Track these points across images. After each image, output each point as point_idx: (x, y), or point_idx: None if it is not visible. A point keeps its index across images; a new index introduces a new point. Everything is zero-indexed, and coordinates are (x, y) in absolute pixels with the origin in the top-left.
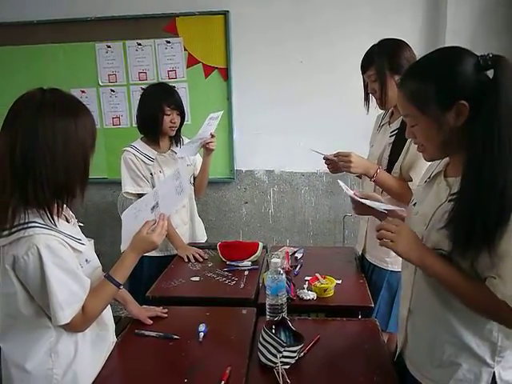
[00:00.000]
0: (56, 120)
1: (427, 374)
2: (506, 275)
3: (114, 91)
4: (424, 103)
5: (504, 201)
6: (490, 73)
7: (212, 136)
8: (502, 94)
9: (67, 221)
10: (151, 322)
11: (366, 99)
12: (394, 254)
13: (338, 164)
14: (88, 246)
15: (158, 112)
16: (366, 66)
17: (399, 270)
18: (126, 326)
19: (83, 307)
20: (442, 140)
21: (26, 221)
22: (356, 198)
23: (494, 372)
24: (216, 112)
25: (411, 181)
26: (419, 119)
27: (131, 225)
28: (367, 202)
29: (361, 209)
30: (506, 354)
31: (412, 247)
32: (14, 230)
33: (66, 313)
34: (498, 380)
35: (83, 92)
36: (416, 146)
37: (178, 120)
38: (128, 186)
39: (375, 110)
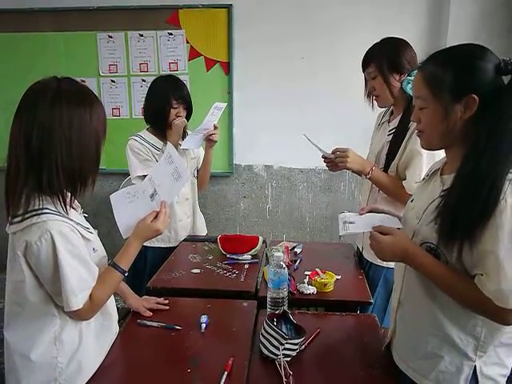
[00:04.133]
0: (72, 109)
1: (412, 364)
2: (490, 271)
3: (114, 82)
4: (438, 87)
5: (489, 198)
6: (507, 78)
7: (215, 127)
8: None
9: (75, 210)
10: (151, 313)
11: (369, 96)
12: None
13: (335, 160)
14: (95, 235)
15: (165, 104)
16: (365, 63)
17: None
18: (124, 316)
19: (90, 295)
20: (444, 129)
21: (40, 207)
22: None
23: (475, 366)
24: (221, 102)
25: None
26: (429, 103)
27: (125, 209)
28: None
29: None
30: (488, 349)
31: (392, 253)
32: (26, 216)
33: (79, 299)
34: (478, 374)
35: (83, 81)
36: (412, 145)
37: (184, 114)
38: (139, 170)
39: (376, 108)
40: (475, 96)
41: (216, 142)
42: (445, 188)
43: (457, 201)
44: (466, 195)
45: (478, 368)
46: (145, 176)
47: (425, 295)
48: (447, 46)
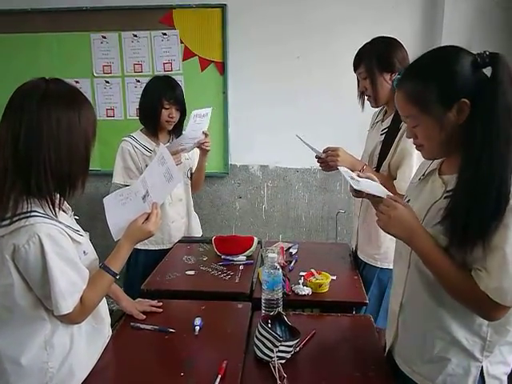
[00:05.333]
0: (60, 110)
1: (417, 369)
2: (492, 268)
3: (108, 82)
4: (426, 104)
5: (499, 197)
6: (487, 70)
7: (206, 135)
8: (499, 91)
9: (64, 212)
10: (144, 316)
11: (361, 96)
12: (383, 251)
13: (327, 159)
14: (86, 238)
15: (156, 105)
16: (356, 63)
17: (388, 267)
18: (117, 319)
19: (81, 298)
20: (444, 139)
21: (28, 210)
22: (357, 178)
23: (482, 366)
24: (201, 109)
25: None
26: (421, 120)
27: (117, 211)
28: (367, 186)
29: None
30: (494, 349)
31: (401, 227)
32: (14, 219)
33: (69, 302)
34: (485, 374)
35: (77, 82)
36: (403, 144)
37: (176, 115)
38: (118, 177)
39: (366, 109)
40: (465, 100)
41: (208, 150)
42: (448, 189)
43: (466, 202)
44: (475, 196)
45: (484, 368)
46: (125, 185)
47: (429, 298)
48: (417, 58)
